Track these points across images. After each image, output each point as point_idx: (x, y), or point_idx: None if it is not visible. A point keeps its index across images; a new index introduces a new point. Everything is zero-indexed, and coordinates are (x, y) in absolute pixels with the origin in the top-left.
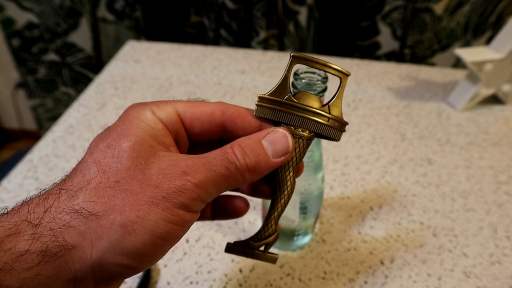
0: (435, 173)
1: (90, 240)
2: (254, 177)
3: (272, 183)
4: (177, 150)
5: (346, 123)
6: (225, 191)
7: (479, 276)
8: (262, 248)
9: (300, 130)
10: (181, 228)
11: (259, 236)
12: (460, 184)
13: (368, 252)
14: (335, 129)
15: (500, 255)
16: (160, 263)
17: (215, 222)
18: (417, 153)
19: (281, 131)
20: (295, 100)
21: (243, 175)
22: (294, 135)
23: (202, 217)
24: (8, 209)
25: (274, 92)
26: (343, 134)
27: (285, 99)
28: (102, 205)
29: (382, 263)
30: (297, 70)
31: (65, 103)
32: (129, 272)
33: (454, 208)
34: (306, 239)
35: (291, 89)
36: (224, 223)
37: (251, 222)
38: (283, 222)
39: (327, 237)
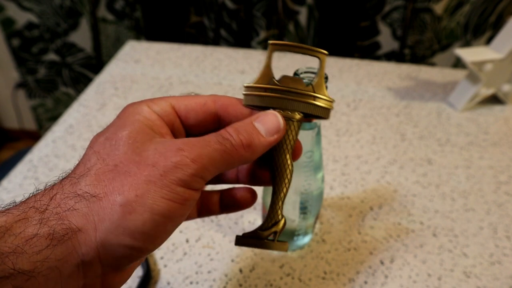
0: (435, 173)
1: (93, 222)
2: (250, 155)
3: (271, 171)
4: (173, 138)
5: (332, 100)
6: (224, 169)
7: (479, 276)
8: (271, 237)
9: (289, 112)
10: (181, 206)
11: (266, 225)
12: (460, 184)
13: (368, 252)
14: (323, 107)
15: (500, 255)
16: (160, 263)
17: (215, 222)
18: (417, 153)
19: (270, 112)
20: (279, 84)
21: (239, 150)
22: (284, 118)
23: (211, 212)
24: (17, 202)
25: (259, 80)
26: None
27: (270, 85)
28: (102, 187)
29: (382, 263)
30: (297, 70)
31: (65, 103)
32: (134, 254)
33: (454, 208)
34: (306, 239)
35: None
36: (224, 223)
37: (251, 222)
38: None
39: (327, 237)
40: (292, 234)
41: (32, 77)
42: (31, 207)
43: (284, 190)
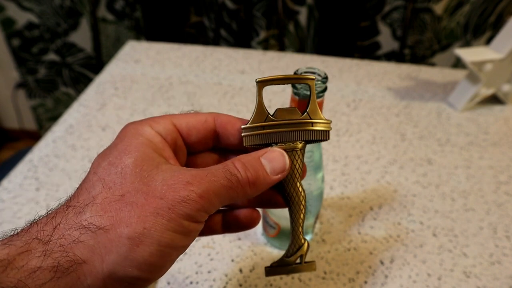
0: (435, 173)
1: (99, 254)
2: (254, 192)
3: (285, 198)
4: (177, 162)
5: (329, 121)
6: (227, 203)
7: (479, 276)
8: (298, 261)
9: (291, 143)
10: (185, 237)
11: (291, 251)
12: (460, 184)
13: (368, 252)
14: (322, 130)
15: (500, 255)
16: None
17: None
18: (417, 153)
19: (277, 150)
20: (275, 118)
21: (244, 188)
22: (287, 150)
23: (213, 232)
24: (18, 230)
25: (254, 119)
26: (332, 132)
27: (266, 122)
28: (109, 218)
29: (382, 263)
30: (297, 70)
31: (65, 103)
32: (141, 283)
33: (454, 208)
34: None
35: (293, 91)
36: None
37: None
38: (282, 222)
39: (327, 237)
40: None
41: (32, 77)
42: (34, 238)
43: (302, 216)
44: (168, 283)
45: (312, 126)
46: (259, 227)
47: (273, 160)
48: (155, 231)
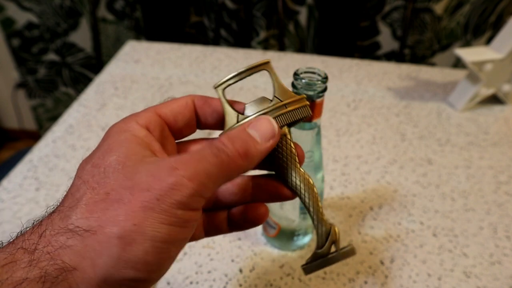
0: (435, 173)
1: (89, 259)
2: (247, 164)
3: (291, 189)
4: (165, 155)
5: (303, 96)
6: (222, 182)
7: (479, 276)
8: (333, 249)
9: None
10: (182, 229)
11: (321, 241)
12: (460, 184)
13: (368, 252)
14: (298, 108)
15: (500, 255)
16: None
17: None
18: (417, 153)
19: (263, 117)
20: (246, 115)
21: (236, 161)
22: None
23: (219, 231)
24: (4, 243)
25: (227, 122)
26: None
27: (239, 121)
28: (95, 220)
29: (382, 263)
30: (297, 70)
31: (65, 103)
32: (139, 285)
33: (454, 208)
34: (306, 239)
35: (292, 90)
36: None
37: None
38: (283, 222)
39: None
40: (292, 234)
41: (32, 77)
42: (19, 248)
43: (317, 201)
44: (168, 283)
45: (286, 107)
46: (259, 227)
47: (260, 127)
48: (147, 227)
